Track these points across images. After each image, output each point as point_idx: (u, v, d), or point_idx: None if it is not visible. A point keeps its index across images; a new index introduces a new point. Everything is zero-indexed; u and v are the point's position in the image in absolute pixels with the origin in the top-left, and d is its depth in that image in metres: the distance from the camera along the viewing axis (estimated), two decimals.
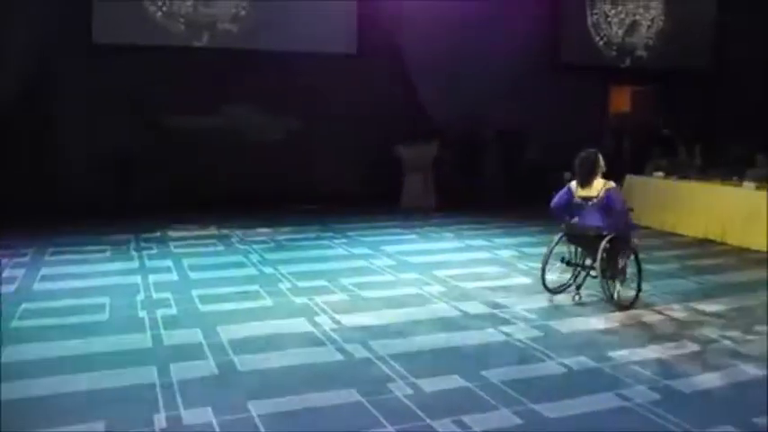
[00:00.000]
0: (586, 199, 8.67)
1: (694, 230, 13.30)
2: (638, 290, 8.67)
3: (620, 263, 8.61)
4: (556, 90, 17.59)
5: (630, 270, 8.75)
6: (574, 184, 8.81)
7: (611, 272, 8.56)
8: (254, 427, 5.23)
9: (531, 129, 16.99)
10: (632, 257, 8.75)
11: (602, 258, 8.37)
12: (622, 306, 8.43)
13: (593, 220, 8.63)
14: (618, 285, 8.60)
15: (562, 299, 8.74)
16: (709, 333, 7.64)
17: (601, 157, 8.72)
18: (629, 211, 9.13)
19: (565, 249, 8.94)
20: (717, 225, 12.90)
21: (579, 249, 8.90)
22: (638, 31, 19.54)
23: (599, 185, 8.59)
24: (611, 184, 8.65)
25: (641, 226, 13.89)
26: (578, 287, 8.81)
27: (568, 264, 8.88)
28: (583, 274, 8.85)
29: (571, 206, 8.85)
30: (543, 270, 8.83)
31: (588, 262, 8.73)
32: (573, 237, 8.87)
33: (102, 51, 14.56)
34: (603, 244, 8.36)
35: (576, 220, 8.85)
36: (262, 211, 14.68)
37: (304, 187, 15.92)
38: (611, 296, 8.50)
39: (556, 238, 8.98)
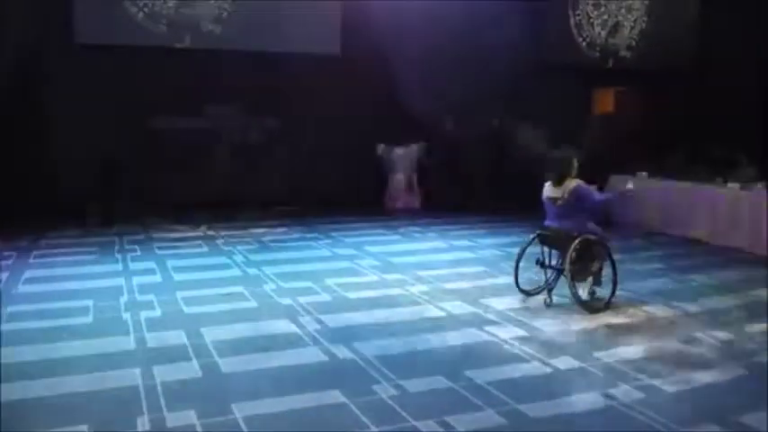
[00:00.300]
0: (553, 200, 8.60)
1: (678, 230, 13.33)
2: (612, 293, 8.56)
3: (595, 265, 8.57)
4: (540, 91, 17.55)
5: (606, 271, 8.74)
6: (548, 184, 8.71)
7: (584, 274, 8.53)
8: (238, 429, 5.22)
9: (516, 129, 17.00)
10: (607, 260, 8.65)
11: (571, 261, 8.28)
12: (594, 309, 8.34)
13: (561, 221, 8.58)
14: (590, 288, 8.60)
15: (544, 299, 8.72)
16: (693, 332, 7.66)
17: (575, 159, 8.61)
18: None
19: (540, 250, 8.88)
20: (701, 225, 12.94)
21: (554, 251, 8.84)
22: (620, 32, 19.56)
23: (566, 186, 8.45)
24: (575, 182, 8.44)
25: (626, 226, 14.04)
26: (550, 290, 8.69)
27: (542, 265, 8.78)
28: (555, 275, 8.76)
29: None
30: (516, 271, 8.81)
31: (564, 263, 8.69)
32: (544, 237, 8.78)
33: (85, 52, 14.49)
34: (573, 245, 8.30)
35: (546, 220, 8.82)
36: (246, 212, 14.66)
37: (288, 188, 15.89)
38: (580, 300, 8.39)
39: (528, 239, 8.95)
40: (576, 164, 8.59)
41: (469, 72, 16.40)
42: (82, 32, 14.47)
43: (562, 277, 8.59)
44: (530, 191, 9.71)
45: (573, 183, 8.45)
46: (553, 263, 8.79)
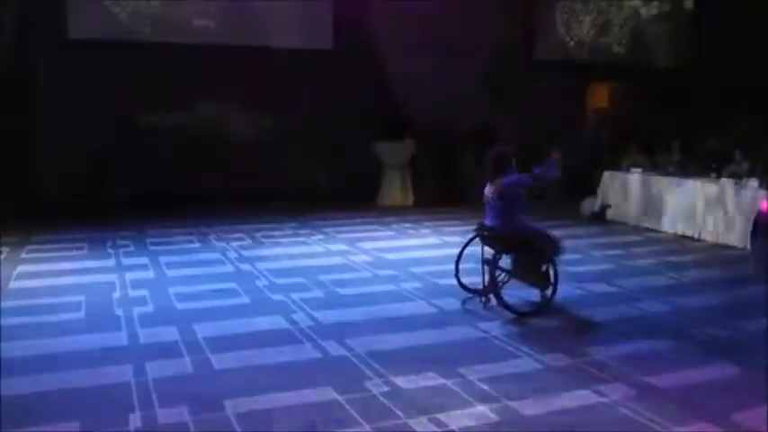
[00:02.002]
0: (486, 198, 8.39)
1: (672, 227, 13.33)
2: (551, 296, 8.28)
3: (533, 267, 8.29)
4: (534, 88, 17.61)
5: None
6: (487, 183, 8.42)
7: (529, 275, 8.32)
8: (230, 425, 5.21)
9: (509, 126, 17.01)
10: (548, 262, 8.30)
11: (493, 261, 8.15)
12: (520, 312, 8.08)
13: (493, 219, 8.37)
14: (541, 292, 8.32)
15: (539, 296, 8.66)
16: (686, 329, 7.66)
17: (510, 156, 8.36)
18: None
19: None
20: (694, 221, 12.93)
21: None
22: (610, 29, 19.56)
23: (494, 185, 8.23)
24: (499, 180, 8.17)
25: (618, 221, 14.07)
26: (486, 290, 8.39)
27: (487, 264, 8.43)
28: (505, 275, 8.51)
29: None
30: (456, 269, 8.57)
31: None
32: (482, 236, 8.55)
33: (78, 47, 14.48)
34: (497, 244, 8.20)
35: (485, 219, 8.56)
36: (239, 209, 14.65)
37: (281, 184, 15.86)
38: (504, 302, 8.09)
39: (469, 237, 8.79)
40: (513, 162, 8.35)
41: (462, 68, 16.42)
42: (76, 28, 14.46)
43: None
44: None
45: (500, 183, 8.21)
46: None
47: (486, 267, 8.35)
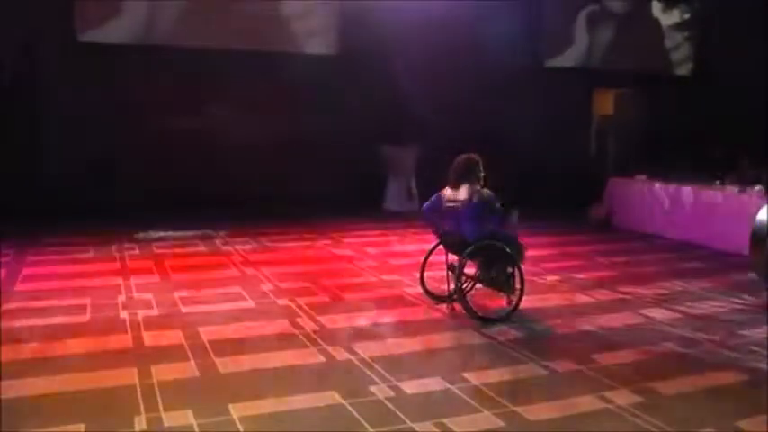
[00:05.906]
0: (454, 205, 8.22)
1: (678, 233, 13.32)
2: (516, 304, 8.16)
3: (494, 272, 8.20)
4: (540, 93, 17.60)
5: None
6: (447, 189, 8.34)
7: (499, 282, 8.23)
8: (235, 429, 5.21)
9: (516, 131, 16.99)
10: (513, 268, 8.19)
11: (461, 267, 8.04)
12: (486, 318, 7.99)
13: (460, 226, 8.21)
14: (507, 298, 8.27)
15: (548, 301, 8.68)
16: (692, 336, 7.65)
17: (479, 164, 8.30)
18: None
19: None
20: (700, 228, 12.91)
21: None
22: (620, 34, 19.55)
23: (469, 191, 8.10)
24: (482, 191, 8.12)
25: (623, 228, 14.06)
26: (452, 297, 8.36)
27: (452, 270, 8.37)
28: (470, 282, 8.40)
29: (441, 212, 8.39)
30: (421, 276, 8.63)
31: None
32: (446, 244, 8.51)
33: (86, 50, 14.51)
34: (467, 251, 8.02)
35: (446, 225, 8.43)
36: (244, 213, 14.63)
37: (287, 188, 15.85)
38: (473, 312, 8.03)
39: (432, 245, 8.77)
40: (480, 169, 8.29)
41: (468, 72, 16.42)
42: (84, 31, 14.50)
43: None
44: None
45: (478, 191, 8.12)
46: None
47: (451, 274, 8.32)
